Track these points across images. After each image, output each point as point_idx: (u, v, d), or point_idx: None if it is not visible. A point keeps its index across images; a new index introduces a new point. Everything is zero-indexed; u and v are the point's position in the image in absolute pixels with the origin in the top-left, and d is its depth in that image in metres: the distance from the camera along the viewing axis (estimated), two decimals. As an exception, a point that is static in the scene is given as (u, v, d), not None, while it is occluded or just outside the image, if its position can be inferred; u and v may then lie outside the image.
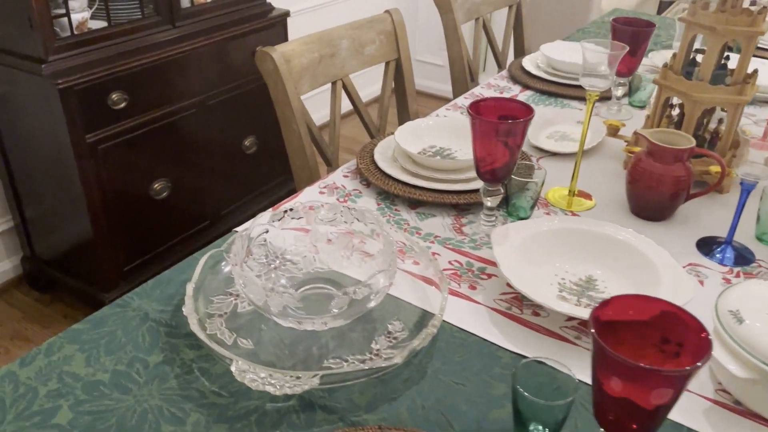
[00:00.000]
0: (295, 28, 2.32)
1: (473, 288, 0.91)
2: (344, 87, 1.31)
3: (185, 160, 1.99)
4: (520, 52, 1.95)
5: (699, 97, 1.11)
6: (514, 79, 1.64)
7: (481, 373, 0.77)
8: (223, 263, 0.89)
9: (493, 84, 1.63)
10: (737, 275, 0.96)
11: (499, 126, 0.93)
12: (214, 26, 1.97)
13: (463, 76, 1.73)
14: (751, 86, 1.12)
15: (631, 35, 1.36)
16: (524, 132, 0.93)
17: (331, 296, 0.78)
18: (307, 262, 0.91)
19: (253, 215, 0.92)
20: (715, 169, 1.15)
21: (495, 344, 0.81)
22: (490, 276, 0.94)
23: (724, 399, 0.75)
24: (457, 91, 1.76)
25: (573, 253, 0.95)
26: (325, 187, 1.14)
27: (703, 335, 0.54)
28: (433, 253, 0.98)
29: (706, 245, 1.03)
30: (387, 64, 1.39)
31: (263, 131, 2.25)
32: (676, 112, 1.27)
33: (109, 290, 1.87)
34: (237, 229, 0.99)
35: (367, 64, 1.34)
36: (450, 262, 0.97)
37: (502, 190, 1.01)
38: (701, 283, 0.94)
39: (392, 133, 1.26)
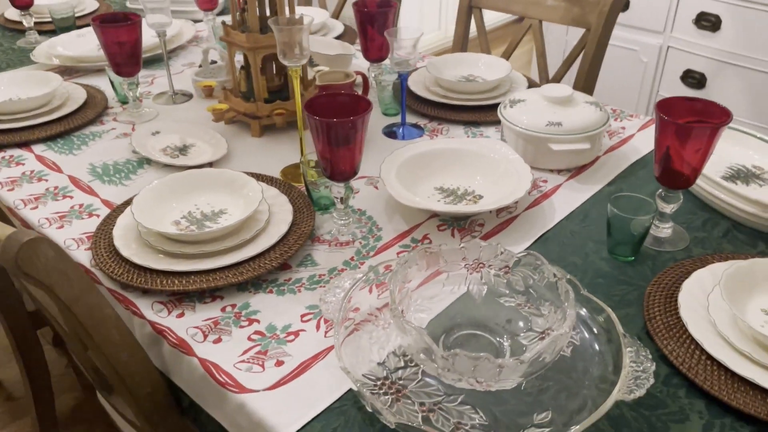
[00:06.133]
0: None
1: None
2: None
3: None
4: None
5: (256, 47, 1.21)
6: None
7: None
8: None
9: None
10: (434, 135, 1.29)
11: (356, 122, 0.89)
12: None
13: None
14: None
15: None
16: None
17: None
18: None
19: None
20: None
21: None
22: (426, 239, 0.98)
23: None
24: None
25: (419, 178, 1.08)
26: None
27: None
28: (387, 267, 0.91)
29: (391, 132, 1.29)
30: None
31: None
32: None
33: None
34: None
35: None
36: (397, 254, 0.94)
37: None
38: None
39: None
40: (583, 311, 0.78)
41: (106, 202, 1.07)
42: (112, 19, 1.26)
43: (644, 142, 1.25)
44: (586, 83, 1.49)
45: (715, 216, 1.03)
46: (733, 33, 2.01)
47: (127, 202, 1.03)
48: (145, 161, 1.19)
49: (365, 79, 1.26)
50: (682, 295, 0.82)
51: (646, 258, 0.94)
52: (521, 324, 0.80)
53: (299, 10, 1.55)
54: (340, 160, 0.92)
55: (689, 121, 0.91)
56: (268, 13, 1.27)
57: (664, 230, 0.98)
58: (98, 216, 1.03)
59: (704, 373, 0.73)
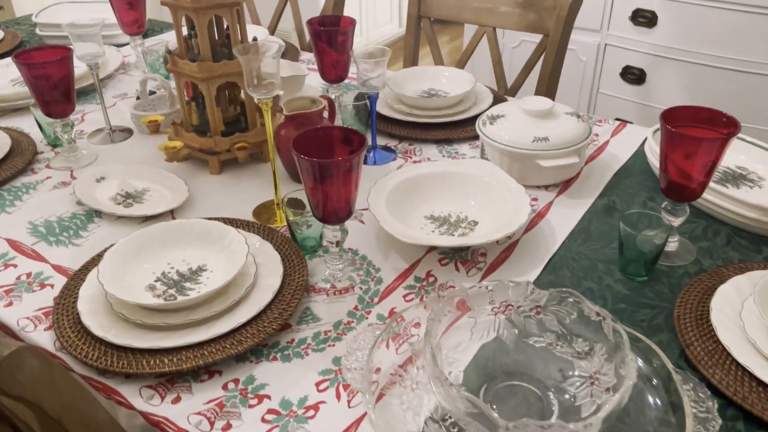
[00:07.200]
0: None
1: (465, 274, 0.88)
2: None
3: None
4: None
5: (210, 76, 1.10)
6: None
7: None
8: None
9: None
10: (408, 157, 1.22)
11: (352, 161, 0.80)
12: None
13: None
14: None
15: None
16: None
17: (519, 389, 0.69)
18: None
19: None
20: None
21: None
22: (431, 277, 0.90)
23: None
24: None
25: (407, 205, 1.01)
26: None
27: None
28: (398, 319, 0.83)
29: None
30: None
31: None
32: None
33: None
34: None
35: None
36: (404, 298, 0.86)
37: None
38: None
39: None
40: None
41: (58, 268, 0.93)
42: (38, 53, 1.11)
43: (620, 149, 1.22)
44: (548, 90, 1.45)
45: (712, 223, 1.01)
46: (669, 28, 2.05)
47: (86, 267, 0.90)
48: (94, 214, 1.05)
49: (331, 103, 1.17)
50: (714, 316, 0.79)
51: (659, 275, 0.90)
52: (572, 373, 0.73)
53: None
54: (334, 201, 0.83)
55: (691, 127, 0.88)
56: (216, 37, 1.16)
57: (671, 244, 0.94)
58: (52, 286, 0.89)
59: (759, 402, 0.69)
